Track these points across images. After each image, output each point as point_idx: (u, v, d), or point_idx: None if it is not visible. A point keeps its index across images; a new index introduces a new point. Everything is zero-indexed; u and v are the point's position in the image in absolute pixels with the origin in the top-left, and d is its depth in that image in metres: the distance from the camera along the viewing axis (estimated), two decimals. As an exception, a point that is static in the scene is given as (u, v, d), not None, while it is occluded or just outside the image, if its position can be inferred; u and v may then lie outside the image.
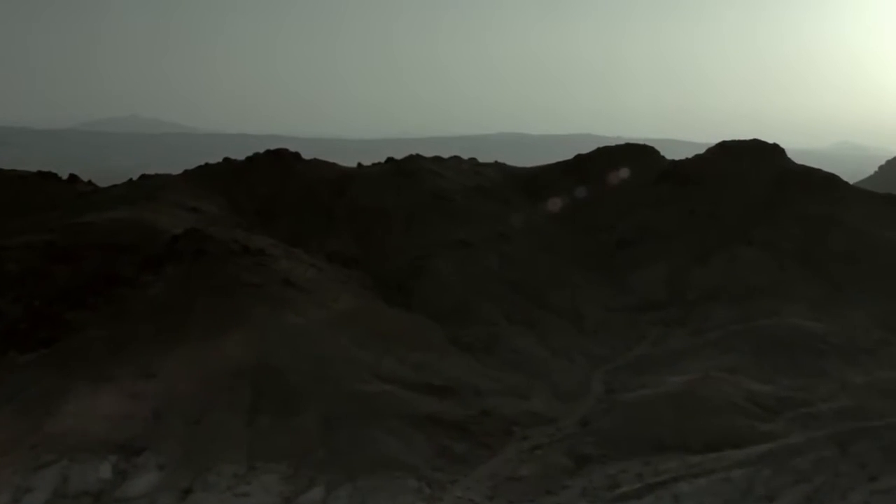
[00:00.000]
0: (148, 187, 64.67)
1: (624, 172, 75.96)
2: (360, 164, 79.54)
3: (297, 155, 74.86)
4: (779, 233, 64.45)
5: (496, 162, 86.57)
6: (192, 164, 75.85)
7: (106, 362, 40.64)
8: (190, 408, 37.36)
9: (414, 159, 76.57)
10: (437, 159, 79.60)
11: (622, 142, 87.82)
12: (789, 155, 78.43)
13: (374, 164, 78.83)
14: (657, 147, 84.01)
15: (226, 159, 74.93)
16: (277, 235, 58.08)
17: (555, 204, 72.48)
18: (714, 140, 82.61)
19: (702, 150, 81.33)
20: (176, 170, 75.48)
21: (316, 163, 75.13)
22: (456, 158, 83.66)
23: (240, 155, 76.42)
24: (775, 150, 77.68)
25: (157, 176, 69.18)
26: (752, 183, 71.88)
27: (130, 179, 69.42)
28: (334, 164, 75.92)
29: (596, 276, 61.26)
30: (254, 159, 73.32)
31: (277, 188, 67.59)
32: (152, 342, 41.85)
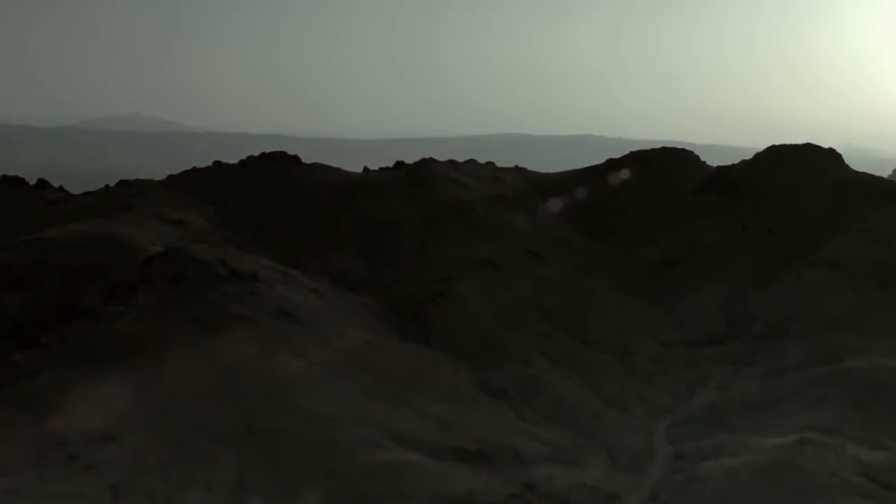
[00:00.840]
0: (125, 195, 56.37)
1: (663, 179, 67.79)
2: (366, 169, 71.22)
3: (295, 158, 65.88)
4: (847, 251, 56.24)
5: (516, 166, 78.46)
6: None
7: (57, 419, 33.30)
8: (159, 484, 30.68)
9: (427, 164, 68.12)
10: (453, 163, 71.18)
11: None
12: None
13: (382, 169, 70.45)
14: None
15: (216, 163, 66.40)
16: (273, 253, 50.40)
17: (586, 215, 64.27)
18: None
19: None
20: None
21: (317, 167, 66.32)
22: (472, 162, 75.31)
23: (241, 155, 67.81)
24: (832, 156, 69.45)
25: (136, 182, 60.69)
26: (809, 193, 63.62)
27: (107, 186, 61.03)
28: (338, 169, 67.30)
29: (641, 301, 53.10)
30: (247, 163, 64.66)
31: (273, 197, 59.17)
32: (115, 393, 34.31)
